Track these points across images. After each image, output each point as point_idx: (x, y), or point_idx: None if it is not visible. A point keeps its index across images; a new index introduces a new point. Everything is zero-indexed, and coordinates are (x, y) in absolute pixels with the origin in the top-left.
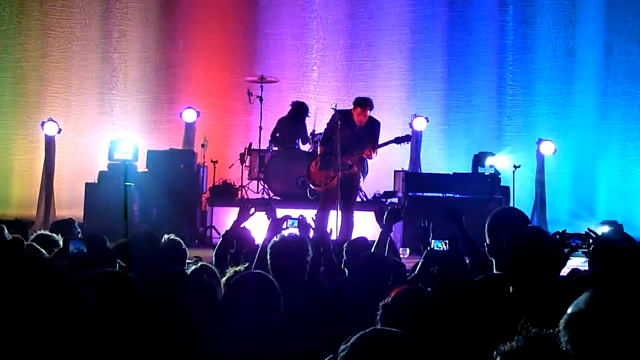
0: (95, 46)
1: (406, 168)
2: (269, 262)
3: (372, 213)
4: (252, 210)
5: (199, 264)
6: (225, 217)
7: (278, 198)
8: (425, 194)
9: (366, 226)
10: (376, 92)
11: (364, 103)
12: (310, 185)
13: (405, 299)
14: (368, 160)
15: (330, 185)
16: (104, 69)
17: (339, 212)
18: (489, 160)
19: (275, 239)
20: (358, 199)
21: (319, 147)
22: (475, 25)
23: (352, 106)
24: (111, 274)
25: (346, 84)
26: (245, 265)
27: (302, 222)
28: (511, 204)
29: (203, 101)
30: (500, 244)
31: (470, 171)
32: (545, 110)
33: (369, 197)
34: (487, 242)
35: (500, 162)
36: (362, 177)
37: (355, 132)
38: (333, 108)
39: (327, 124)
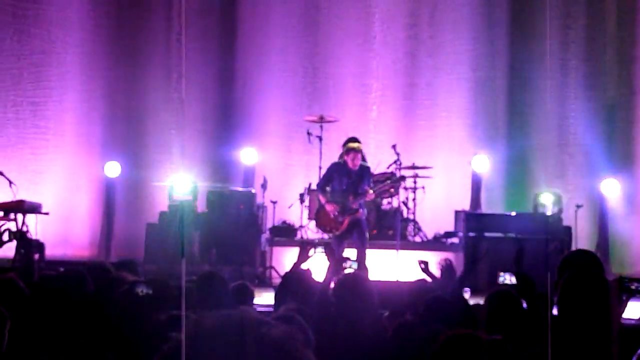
0: (155, 87)
1: (467, 208)
2: (333, 297)
3: (433, 254)
4: (312, 251)
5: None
6: (285, 258)
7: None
8: (485, 234)
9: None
10: (436, 131)
11: (354, 148)
12: (321, 231)
13: (455, 346)
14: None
15: (340, 231)
16: (164, 109)
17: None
18: (541, 198)
19: (340, 277)
20: (418, 239)
21: (320, 196)
22: (535, 64)
23: (343, 152)
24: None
25: (405, 122)
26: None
27: (327, 246)
28: (573, 246)
29: (262, 141)
30: None
31: (531, 211)
32: (607, 148)
33: (429, 237)
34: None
35: (548, 200)
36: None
37: (351, 178)
38: (393, 147)
39: (324, 174)
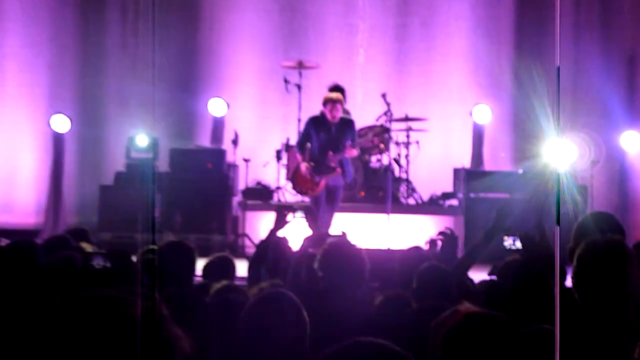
0: (110, 29)
1: (467, 166)
2: (319, 272)
3: (429, 218)
4: (291, 216)
5: (222, 283)
6: (260, 224)
7: None
8: (489, 194)
9: (422, 232)
10: (432, 77)
11: (332, 98)
12: (294, 191)
13: (468, 327)
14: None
15: (316, 192)
16: (121, 55)
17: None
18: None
19: (326, 246)
20: (412, 202)
21: (297, 154)
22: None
23: (322, 104)
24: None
25: (397, 68)
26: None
27: (309, 211)
28: (588, 208)
29: (233, 91)
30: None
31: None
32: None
33: (425, 199)
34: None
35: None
36: (346, 177)
37: (331, 133)
38: (383, 96)
39: (302, 131)
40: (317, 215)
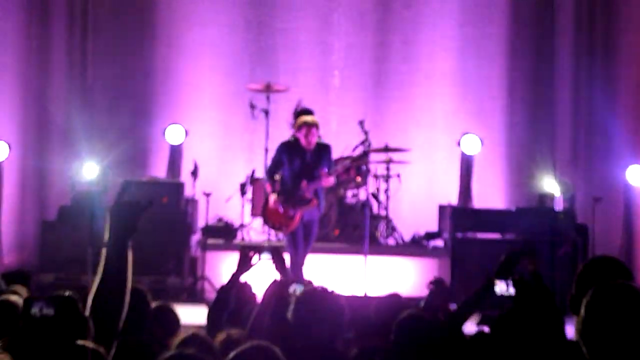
0: (55, 45)
1: (454, 202)
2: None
3: (411, 260)
4: (256, 257)
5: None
6: (222, 266)
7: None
8: (478, 234)
9: (403, 276)
10: (415, 102)
11: (308, 122)
12: (268, 227)
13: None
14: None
15: (292, 227)
16: (67, 77)
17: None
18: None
19: (301, 293)
20: (392, 242)
21: (266, 185)
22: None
23: (294, 128)
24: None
25: (376, 92)
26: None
27: (276, 252)
28: (590, 250)
29: (193, 116)
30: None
31: (535, 205)
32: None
33: (406, 239)
34: (573, 293)
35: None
36: (319, 210)
37: (305, 161)
38: (360, 123)
39: (273, 158)
40: (295, 253)
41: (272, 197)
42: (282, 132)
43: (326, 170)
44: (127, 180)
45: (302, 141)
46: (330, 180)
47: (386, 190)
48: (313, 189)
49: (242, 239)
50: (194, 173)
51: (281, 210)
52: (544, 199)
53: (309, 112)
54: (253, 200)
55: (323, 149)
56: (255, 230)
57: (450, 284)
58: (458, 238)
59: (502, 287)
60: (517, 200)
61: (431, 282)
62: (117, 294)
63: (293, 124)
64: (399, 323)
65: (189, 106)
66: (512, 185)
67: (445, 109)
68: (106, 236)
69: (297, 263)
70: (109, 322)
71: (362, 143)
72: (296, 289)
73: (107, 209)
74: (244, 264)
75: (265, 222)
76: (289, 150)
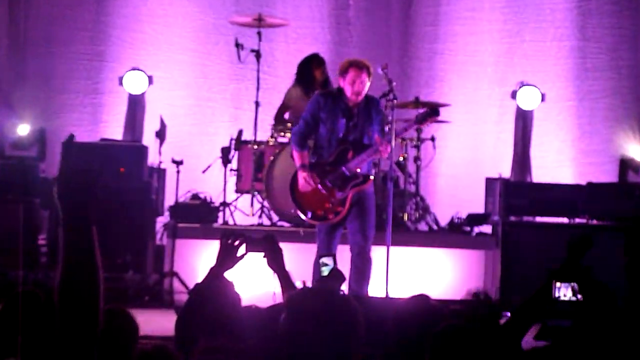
0: None
1: (506, 175)
2: (286, 329)
3: (449, 252)
4: (243, 248)
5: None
6: (197, 258)
7: (287, 226)
8: (538, 218)
9: (437, 272)
10: (455, 42)
11: (358, 63)
12: (303, 216)
13: None
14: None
15: (340, 216)
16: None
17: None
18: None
19: (294, 296)
20: (424, 227)
21: (294, 152)
22: None
23: (339, 73)
24: None
25: (403, 28)
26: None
27: (270, 242)
28: None
29: (159, 59)
30: None
31: (616, 180)
32: None
33: (442, 224)
34: None
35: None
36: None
37: (353, 119)
38: (384, 71)
39: (303, 115)
40: (326, 246)
41: (303, 175)
42: (279, 80)
43: (378, 134)
44: (71, 136)
45: (348, 92)
46: (386, 150)
47: (416, 159)
48: (366, 162)
49: (225, 222)
50: (161, 134)
51: (324, 191)
52: (627, 171)
53: (319, 60)
54: (239, 171)
55: (372, 104)
56: (241, 211)
57: (500, 283)
58: (511, 223)
59: (565, 291)
60: (590, 173)
61: (473, 295)
62: (88, 285)
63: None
64: (436, 335)
65: (153, 46)
66: (584, 153)
67: (495, 52)
68: (61, 215)
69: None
70: (83, 321)
71: (385, 95)
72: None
73: (54, 180)
74: (226, 257)
75: (301, 209)
76: (328, 104)
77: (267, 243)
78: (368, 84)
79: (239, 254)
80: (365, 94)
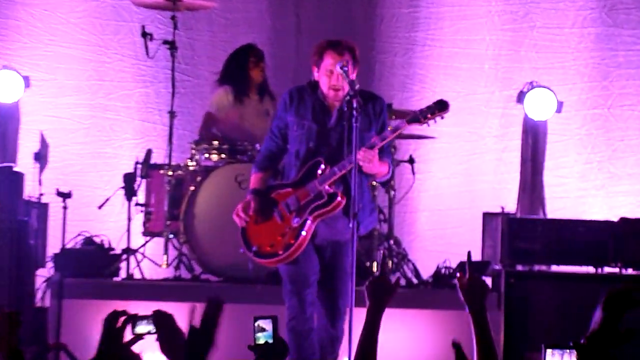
0: None
1: (511, 208)
2: None
3: (432, 314)
4: (143, 328)
5: None
6: (90, 324)
7: (215, 280)
8: (554, 267)
9: (417, 340)
10: (432, 31)
11: (337, 45)
12: (252, 255)
13: None
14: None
15: (292, 251)
16: None
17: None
18: None
19: None
20: (401, 282)
21: (253, 172)
22: None
23: (311, 60)
24: None
25: (362, 10)
26: None
27: (162, 320)
28: None
29: (38, 55)
30: None
31: None
32: None
33: (425, 276)
34: None
35: None
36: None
37: (330, 125)
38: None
39: (272, 121)
40: (300, 308)
41: (252, 197)
42: (202, 83)
43: (376, 139)
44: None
45: (324, 86)
46: (368, 158)
47: (389, 189)
48: (333, 177)
49: (129, 276)
50: (41, 156)
51: (278, 219)
52: None
53: (255, 54)
54: (148, 206)
55: (367, 103)
56: (153, 261)
57: (503, 354)
58: (518, 274)
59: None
60: (623, 205)
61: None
62: None
63: (312, 56)
64: None
65: (30, 37)
66: (615, 178)
67: (494, 42)
68: None
69: (305, 329)
70: None
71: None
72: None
73: None
74: (113, 337)
75: (246, 243)
76: (296, 104)
77: (160, 323)
78: (353, 74)
79: (133, 333)
80: (358, 89)
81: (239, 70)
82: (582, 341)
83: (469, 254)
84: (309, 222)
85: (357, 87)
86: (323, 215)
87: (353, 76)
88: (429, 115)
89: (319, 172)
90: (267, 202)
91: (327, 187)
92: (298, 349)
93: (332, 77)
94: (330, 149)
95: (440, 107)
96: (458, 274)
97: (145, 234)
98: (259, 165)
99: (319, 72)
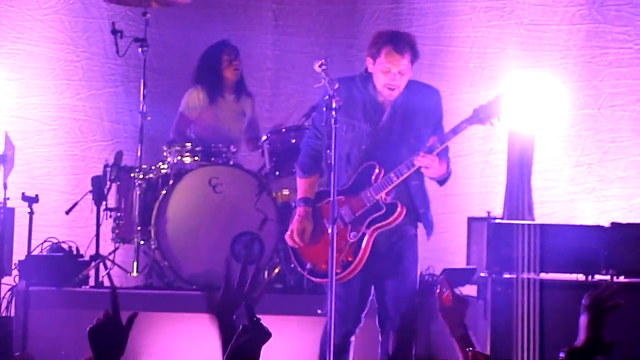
0: None
1: (497, 213)
2: None
3: None
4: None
5: None
6: (59, 335)
7: (189, 288)
8: (543, 274)
9: None
10: (414, 28)
11: (398, 39)
12: (306, 273)
13: None
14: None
15: (351, 270)
16: None
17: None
18: None
19: None
20: None
21: (300, 176)
22: None
23: (367, 52)
24: None
25: (342, 6)
26: None
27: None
28: None
29: (2, 53)
30: None
31: None
32: None
33: None
34: None
35: None
36: (416, 227)
37: (383, 123)
38: (322, 69)
39: (311, 112)
40: (343, 319)
41: (303, 209)
42: (174, 83)
43: (435, 141)
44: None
45: (378, 83)
46: (429, 161)
47: None
48: (391, 184)
49: (99, 283)
50: (5, 159)
51: (331, 231)
52: None
53: (229, 51)
54: (118, 211)
55: (422, 97)
56: (124, 268)
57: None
58: (505, 282)
59: None
60: (615, 209)
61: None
62: None
63: (369, 48)
64: None
65: None
66: (606, 181)
67: (479, 39)
68: None
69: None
70: None
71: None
72: None
73: None
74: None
75: (298, 261)
76: (348, 100)
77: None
78: (410, 73)
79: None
80: (410, 80)
81: (212, 70)
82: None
83: (444, 271)
84: (367, 236)
85: (403, 80)
86: (382, 227)
87: (407, 71)
88: (492, 114)
89: (373, 177)
90: (318, 213)
91: (384, 195)
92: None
93: (388, 75)
94: (384, 151)
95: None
96: (437, 291)
97: (115, 240)
98: (305, 168)
99: (374, 65)
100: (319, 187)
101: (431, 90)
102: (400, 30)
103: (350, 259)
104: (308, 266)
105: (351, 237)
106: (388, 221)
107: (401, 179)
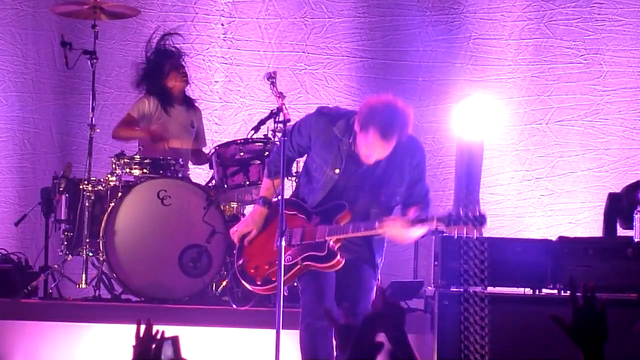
0: None
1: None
2: None
3: None
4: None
5: None
6: (7, 349)
7: (134, 300)
8: (491, 288)
9: None
10: (370, 45)
11: (387, 127)
12: (236, 267)
13: None
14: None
15: (267, 291)
16: None
17: None
18: None
19: None
20: None
21: (266, 175)
22: None
23: (355, 118)
24: None
25: (303, 20)
26: None
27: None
28: None
29: None
30: None
31: (601, 234)
32: None
33: None
34: None
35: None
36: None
37: (361, 167)
38: (270, 82)
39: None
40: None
41: (259, 208)
42: (123, 95)
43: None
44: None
45: (360, 149)
46: (393, 226)
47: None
48: (348, 234)
49: (48, 294)
50: None
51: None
52: (615, 220)
53: (173, 60)
54: (68, 221)
55: (405, 152)
56: (72, 280)
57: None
58: (452, 295)
59: None
60: (563, 223)
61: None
62: None
63: (358, 117)
64: None
65: None
66: (555, 195)
67: (429, 55)
68: None
69: (321, 326)
70: None
71: (271, 118)
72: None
73: None
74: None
75: (238, 252)
76: (324, 144)
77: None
78: (392, 142)
79: None
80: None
81: (152, 78)
82: None
83: (391, 284)
84: (297, 267)
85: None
86: (315, 268)
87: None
88: (461, 225)
89: (336, 218)
90: (274, 217)
91: (334, 241)
92: (313, 350)
93: (369, 149)
94: (359, 192)
95: (479, 223)
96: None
97: (63, 251)
98: (271, 169)
99: (359, 134)
100: (292, 197)
101: (416, 149)
102: (398, 107)
103: (273, 279)
104: (240, 262)
105: (286, 259)
106: (322, 265)
107: (356, 235)
